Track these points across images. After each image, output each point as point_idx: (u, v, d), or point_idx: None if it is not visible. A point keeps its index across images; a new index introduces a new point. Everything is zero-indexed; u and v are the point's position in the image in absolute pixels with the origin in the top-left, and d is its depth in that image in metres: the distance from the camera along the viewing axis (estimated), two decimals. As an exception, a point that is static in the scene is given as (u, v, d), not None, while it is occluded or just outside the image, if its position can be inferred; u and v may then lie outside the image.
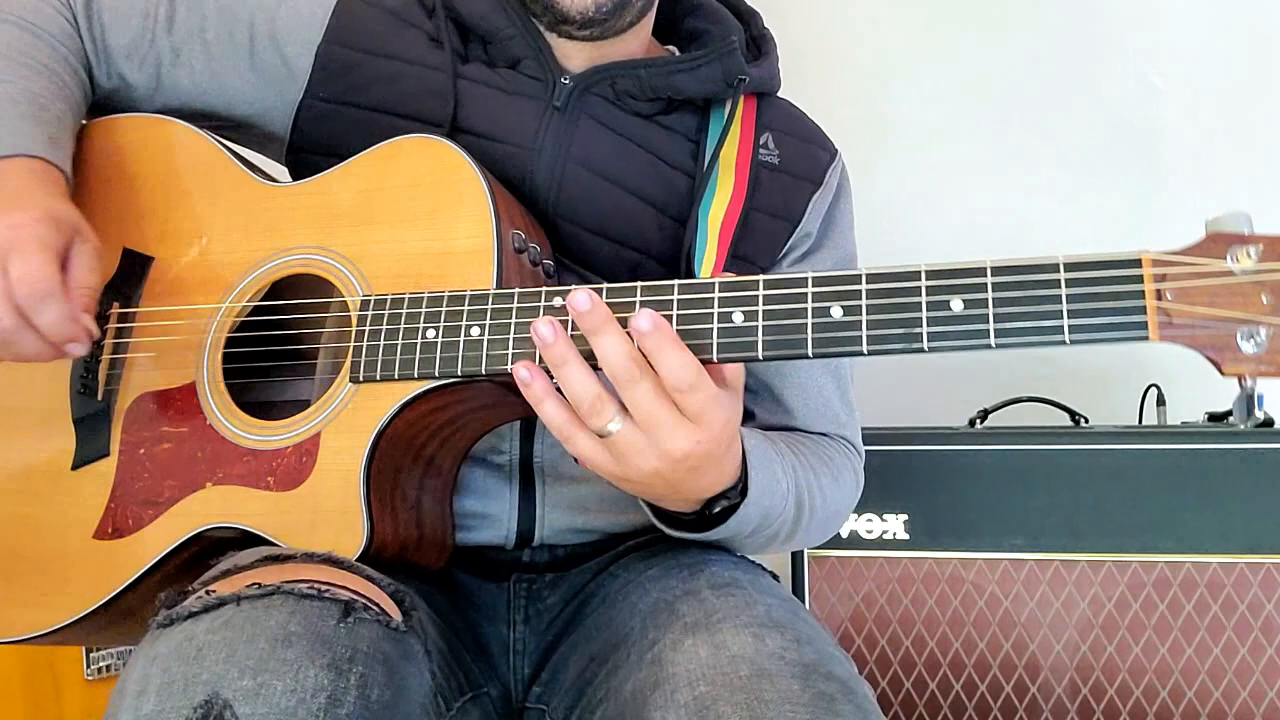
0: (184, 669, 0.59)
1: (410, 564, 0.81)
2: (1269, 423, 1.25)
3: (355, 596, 0.65)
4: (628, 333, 0.67)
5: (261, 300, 0.87)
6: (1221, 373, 0.61)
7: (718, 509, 0.77)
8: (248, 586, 0.64)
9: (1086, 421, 1.35)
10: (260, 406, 0.86)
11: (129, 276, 0.90)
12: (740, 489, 0.76)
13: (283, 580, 0.64)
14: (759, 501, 0.77)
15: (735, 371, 0.71)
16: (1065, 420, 1.37)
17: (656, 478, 0.70)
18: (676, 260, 0.91)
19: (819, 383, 0.94)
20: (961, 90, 1.68)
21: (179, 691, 0.58)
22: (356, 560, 0.76)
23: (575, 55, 0.93)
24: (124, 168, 0.94)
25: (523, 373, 0.70)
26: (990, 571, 1.23)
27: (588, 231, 0.91)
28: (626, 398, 0.67)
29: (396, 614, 0.68)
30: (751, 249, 0.93)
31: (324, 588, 0.64)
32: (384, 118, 0.90)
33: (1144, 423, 1.38)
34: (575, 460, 0.72)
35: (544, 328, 0.69)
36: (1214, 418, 1.33)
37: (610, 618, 0.82)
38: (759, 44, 1.00)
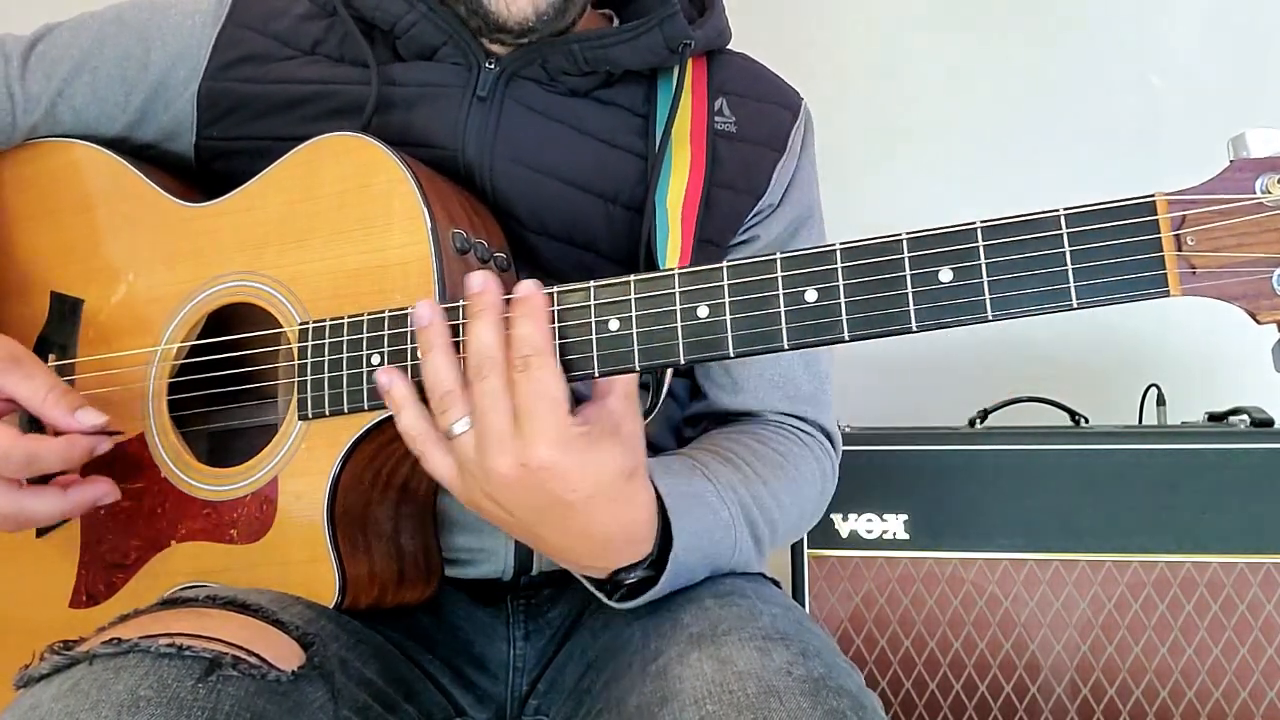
0: None
1: (398, 600, 0.78)
2: (1269, 422, 1.25)
3: (225, 650, 0.59)
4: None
5: (201, 333, 0.82)
6: (1257, 321, 0.54)
7: (632, 578, 0.70)
8: (103, 644, 0.58)
9: (1086, 421, 1.35)
10: (233, 436, 0.82)
11: (61, 323, 0.85)
12: (654, 557, 0.69)
13: (143, 635, 0.59)
14: (697, 548, 0.71)
15: (621, 399, 0.64)
16: (1065, 420, 1.36)
17: (520, 507, 0.63)
18: (634, 255, 0.84)
19: None
20: (960, 91, 1.68)
21: None
22: (337, 606, 0.73)
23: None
24: (39, 202, 0.89)
25: (383, 378, 0.67)
26: (990, 571, 1.23)
27: (530, 231, 0.84)
28: (473, 391, 0.62)
29: (293, 662, 0.62)
30: (715, 230, 0.87)
31: (186, 643, 0.58)
32: (289, 145, 0.81)
33: (1144, 423, 1.38)
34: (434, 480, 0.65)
35: (423, 309, 0.64)
36: (1214, 418, 1.33)
37: (607, 623, 0.79)
38: None
